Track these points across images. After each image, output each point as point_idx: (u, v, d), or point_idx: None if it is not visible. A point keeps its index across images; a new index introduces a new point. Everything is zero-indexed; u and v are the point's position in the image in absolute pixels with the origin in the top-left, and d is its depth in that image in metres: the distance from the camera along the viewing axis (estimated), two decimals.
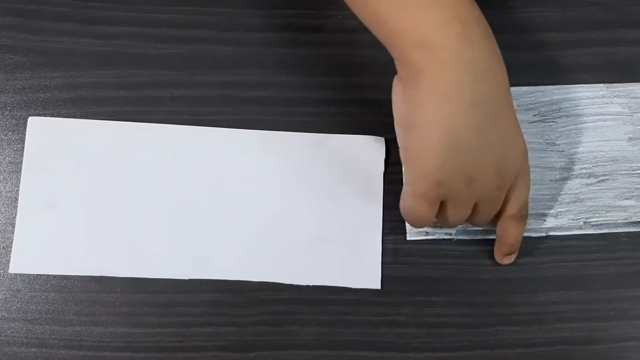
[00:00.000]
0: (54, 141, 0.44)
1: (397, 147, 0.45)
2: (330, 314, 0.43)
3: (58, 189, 0.44)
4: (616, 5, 0.48)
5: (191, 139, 0.45)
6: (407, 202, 0.39)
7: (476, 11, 0.35)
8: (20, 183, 0.44)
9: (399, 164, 0.45)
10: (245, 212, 0.44)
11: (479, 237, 0.44)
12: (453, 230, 0.43)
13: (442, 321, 0.43)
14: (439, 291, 0.44)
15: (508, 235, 0.42)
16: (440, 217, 0.40)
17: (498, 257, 0.43)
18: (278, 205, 0.44)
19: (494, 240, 0.43)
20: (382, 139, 0.45)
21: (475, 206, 0.39)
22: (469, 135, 0.35)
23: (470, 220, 0.41)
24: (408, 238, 0.44)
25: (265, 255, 0.44)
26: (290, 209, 0.44)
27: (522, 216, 0.41)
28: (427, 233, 0.43)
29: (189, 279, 0.43)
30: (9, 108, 0.45)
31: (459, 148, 0.35)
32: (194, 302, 0.43)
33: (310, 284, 0.43)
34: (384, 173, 0.45)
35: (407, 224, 0.43)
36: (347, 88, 0.46)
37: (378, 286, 0.43)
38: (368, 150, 0.45)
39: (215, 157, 0.45)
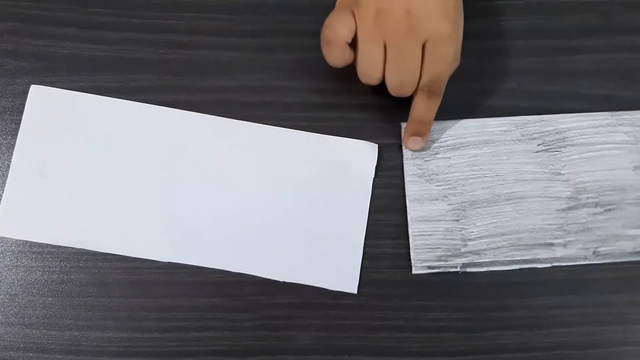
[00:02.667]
0: (53, 111, 0.43)
1: (390, 153, 0.44)
2: (329, 319, 0.42)
3: (51, 158, 0.43)
4: (612, 13, 0.47)
5: (189, 125, 0.44)
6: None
7: None
8: (15, 148, 0.43)
9: (391, 169, 0.44)
10: (232, 203, 0.43)
11: (485, 269, 0.43)
12: (460, 263, 0.42)
13: (441, 326, 0.42)
14: (438, 295, 0.42)
15: (415, 108, 0.41)
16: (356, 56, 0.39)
17: (405, 137, 0.43)
18: (266, 199, 0.43)
19: (499, 271, 0.42)
20: (376, 145, 0.44)
21: (386, 55, 0.38)
22: None
23: (386, 75, 0.39)
24: (414, 272, 0.42)
25: (248, 247, 0.42)
26: (277, 204, 0.43)
27: (432, 92, 0.40)
28: (432, 267, 0.42)
29: (185, 277, 0.42)
30: (8, 112, 0.44)
31: None
32: (191, 307, 0.41)
33: (288, 280, 0.42)
34: (374, 178, 0.44)
35: (412, 259, 0.42)
36: (347, 93, 0.45)
37: (355, 291, 0.42)
38: (361, 155, 0.44)
39: (209, 144, 0.44)
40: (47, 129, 0.43)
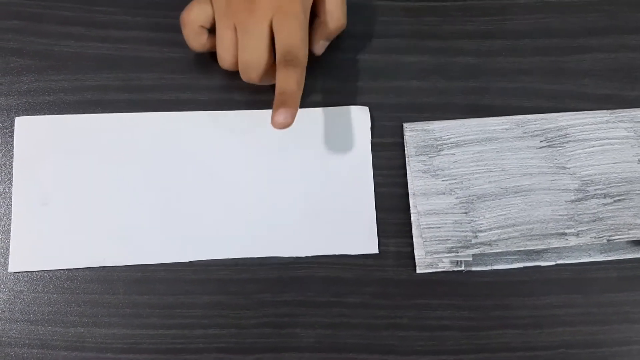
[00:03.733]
0: (42, 139, 0.43)
1: (392, 152, 0.44)
2: (333, 317, 0.42)
3: (51, 185, 0.42)
4: (616, 12, 0.47)
5: (179, 124, 0.44)
6: None
7: None
8: (13, 182, 0.43)
9: (394, 168, 0.44)
10: (239, 191, 0.43)
11: (488, 268, 0.43)
12: (463, 263, 0.42)
13: (444, 324, 0.42)
14: (441, 294, 0.42)
15: (276, 82, 0.40)
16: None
17: (272, 114, 0.40)
18: (271, 181, 0.43)
19: (503, 270, 0.42)
20: (366, 107, 0.44)
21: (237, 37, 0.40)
22: None
23: (238, 58, 0.40)
24: (418, 271, 0.42)
25: (263, 231, 0.42)
26: (283, 183, 0.43)
27: (288, 62, 0.39)
28: (436, 266, 0.42)
29: (191, 275, 0.42)
30: (14, 110, 0.44)
31: None
32: (196, 304, 0.41)
33: (310, 254, 0.42)
34: (372, 139, 0.44)
35: (416, 260, 0.43)
36: (349, 93, 0.45)
37: (376, 250, 0.42)
38: (353, 119, 0.44)
39: (203, 139, 0.44)
40: (41, 157, 0.43)
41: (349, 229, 0.42)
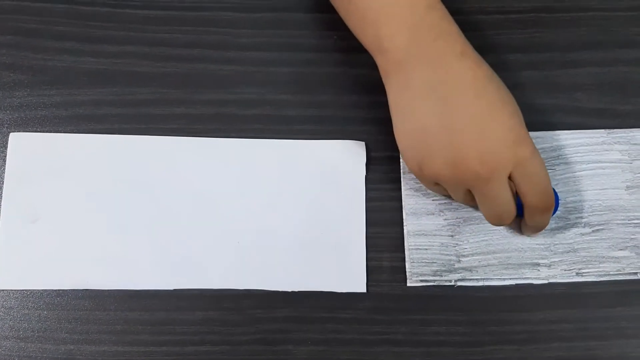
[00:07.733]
0: (36, 156, 0.43)
1: (388, 166, 0.44)
2: (326, 333, 0.41)
3: (41, 203, 0.42)
4: (610, 26, 0.47)
5: (172, 149, 0.43)
6: None
7: (430, 18, 0.38)
8: (2, 198, 0.42)
9: (389, 182, 0.43)
10: (229, 221, 0.42)
11: (480, 284, 0.42)
12: (454, 279, 0.42)
13: (440, 340, 0.41)
14: (437, 309, 0.42)
15: (535, 224, 0.39)
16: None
17: (525, 234, 0.42)
18: (262, 213, 0.43)
19: (495, 286, 0.42)
20: (363, 143, 0.44)
21: (474, 198, 0.38)
22: (433, 118, 0.36)
23: (483, 212, 0.39)
24: (408, 284, 0.42)
25: (251, 263, 0.42)
26: (274, 216, 0.42)
27: (547, 207, 0.38)
28: (427, 281, 0.42)
29: (183, 291, 0.41)
30: (6, 125, 0.43)
31: (423, 132, 0.37)
32: (188, 321, 0.41)
33: (296, 289, 0.41)
34: (367, 174, 0.43)
35: (407, 272, 0.42)
36: (344, 107, 0.45)
37: (364, 289, 0.41)
38: (349, 154, 0.44)
39: (196, 166, 0.43)
40: (33, 174, 0.42)
41: (337, 266, 0.42)
